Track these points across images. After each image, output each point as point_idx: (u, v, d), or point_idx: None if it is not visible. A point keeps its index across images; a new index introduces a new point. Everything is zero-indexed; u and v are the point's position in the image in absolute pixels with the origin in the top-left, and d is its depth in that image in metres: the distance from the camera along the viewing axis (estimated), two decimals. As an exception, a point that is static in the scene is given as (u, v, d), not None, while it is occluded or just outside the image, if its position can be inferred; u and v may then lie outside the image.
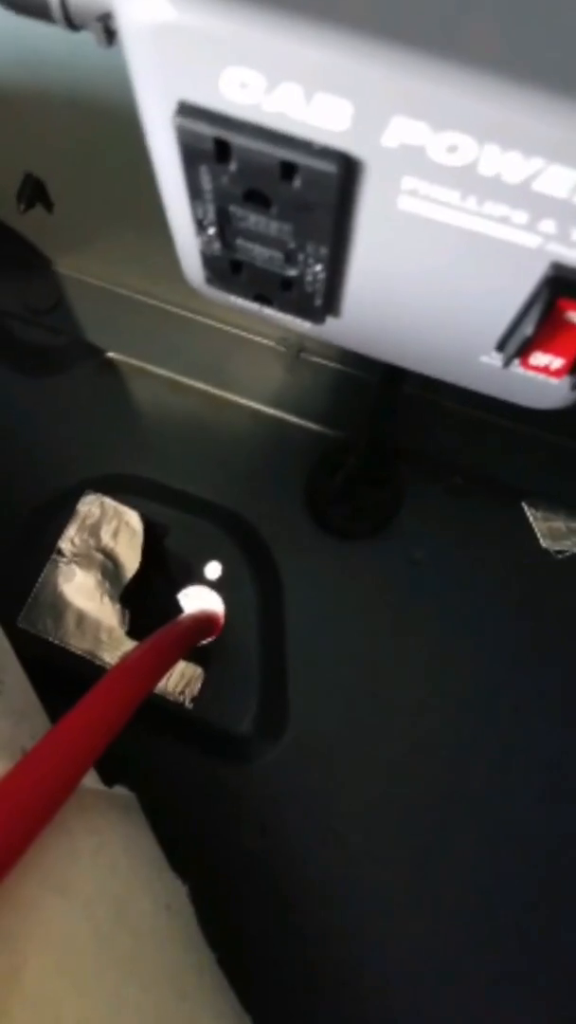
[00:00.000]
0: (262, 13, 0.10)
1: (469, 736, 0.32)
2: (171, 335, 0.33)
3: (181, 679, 0.32)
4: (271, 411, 0.34)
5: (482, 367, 0.16)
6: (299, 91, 0.11)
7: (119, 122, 0.25)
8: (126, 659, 0.25)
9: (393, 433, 0.32)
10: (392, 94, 0.10)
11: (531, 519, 0.32)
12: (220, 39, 0.10)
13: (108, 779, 0.25)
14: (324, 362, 0.31)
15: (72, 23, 0.16)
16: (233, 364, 0.34)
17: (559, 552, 0.32)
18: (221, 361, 0.34)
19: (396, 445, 0.33)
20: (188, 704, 0.32)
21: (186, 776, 0.31)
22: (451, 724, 0.32)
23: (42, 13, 0.16)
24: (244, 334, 0.32)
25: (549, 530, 0.32)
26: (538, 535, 0.32)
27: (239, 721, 0.32)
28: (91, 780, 0.23)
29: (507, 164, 0.10)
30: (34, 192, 0.30)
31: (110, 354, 0.35)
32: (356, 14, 0.10)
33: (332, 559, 0.33)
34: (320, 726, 0.32)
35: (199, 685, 0.32)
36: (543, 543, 0.32)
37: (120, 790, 0.24)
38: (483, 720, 0.32)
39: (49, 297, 0.34)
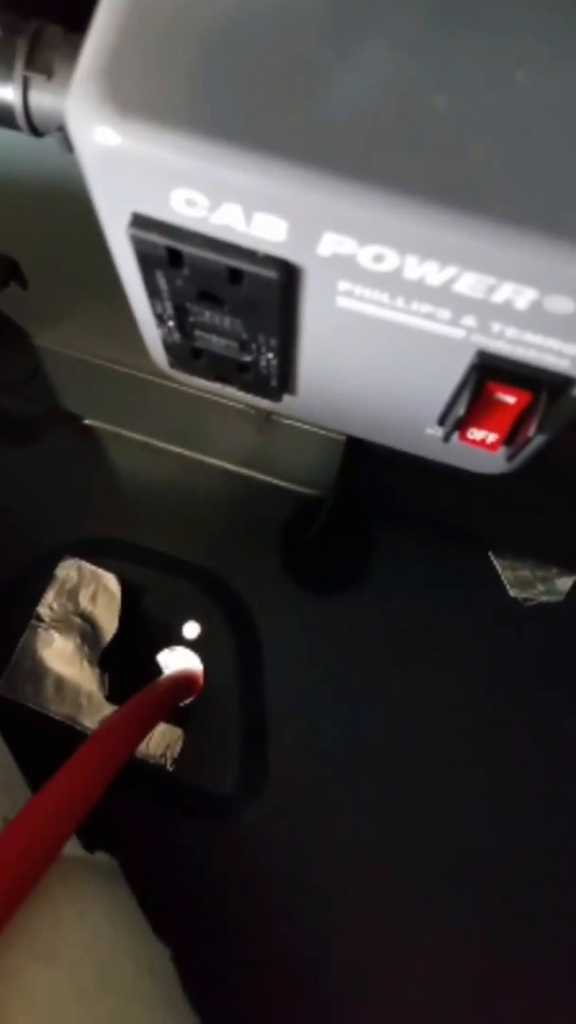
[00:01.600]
0: (199, 143, 0.11)
1: (451, 787, 0.32)
2: (144, 401, 0.34)
3: (162, 741, 0.32)
4: (244, 471, 0.35)
5: (428, 438, 0.17)
6: (239, 210, 0.12)
7: (87, 206, 0.26)
8: (105, 725, 0.25)
9: (361, 488, 0.33)
10: (319, 214, 0.11)
11: (498, 568, 0.33)
12: (163, 164, 0.12)
13: (90, 844, 0.25)
14: (293, 423, 0.32)
15: (35, 131, 0.18)
16: (205, 427, 0.35)
17: (527, 600, 0.33)
18: (193, 424, 0.35)
19: (365, 499, 0.34)
20: (169, 766, 0.32)
21: (169, 838, 0.31)
22: (432, 775, 0.32)
23: (8, 122, 0.17)
24: (215, 398, 0.33)
25: (516, 579, 0.32)
26: (505, 584, 0.33)
27: (220, 781, 0.32)
28: (73, 847, 0.23)
29: (427, 271, 0.12)
30: (8, 272, 0.32)
31: (86, 421, 0.36)
32: (284, 141, 0.11)
33: (308, 613, 0.34)
34: (301, 782, 0.32)
35: (179, 747, 0.32)
36: (511, 592, 0.33)
37: (102, 856, 0.24)
38: (465, 770, 0.32)
39: (26, 368, 0.35)
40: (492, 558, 0.34)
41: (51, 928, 0.19)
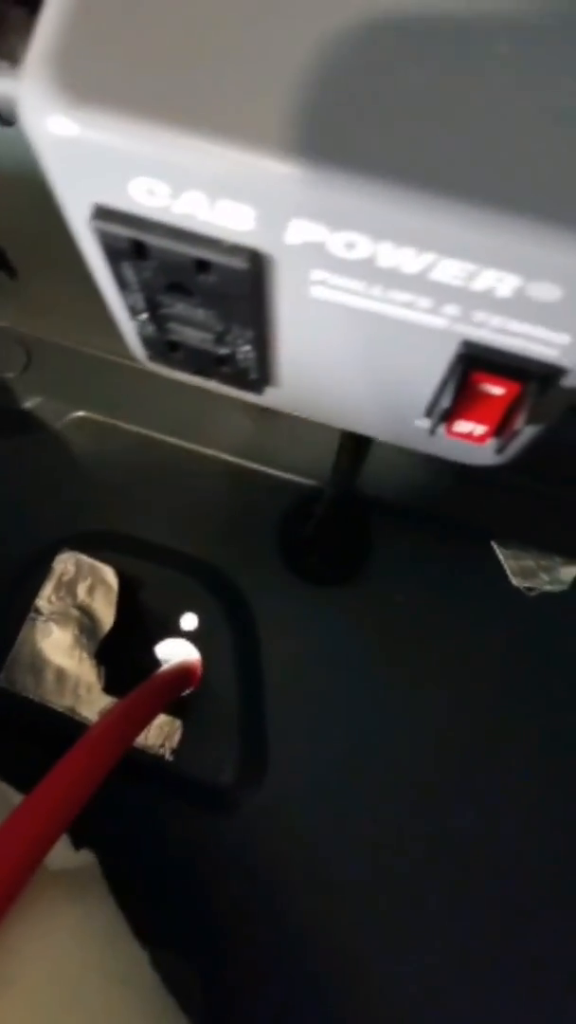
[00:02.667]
0: (156, 129, 0.11)
1: (451, 774, 0.32)
2: (139, 392, 0.34)
3: (160, 732, 0.32)
4: (242, 462, 0.35)
5: (417, 430, 0.17)
6: (202, 197, 0.11)
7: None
8: (96, 726, 0.25)
9: (359, 478, 0.33)
10: (286, 201, 0.11)
11: (501, 558, 0.32)
12: (120, 153, 0.11)
13: (80, 837, 0.25)
14: (290, 413, 0.32)
15: (5, 121, 0.17)
16: (202, 418, 0.34)
17: (530, 589, 0.32)
18: (190, 415, 0.34)
19: (364, 490, 0.34)
20: (168, 757, 0.32)
21: (167, 827, 0.31)
22: (432, 763, 0.32)
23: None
24: (210, 388, 0.32)
25: (520, 568, 0.32)
26: (508, 574, 0.32)
27: (220, 771, 0.32)
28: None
29: (402, 258, 0.11)
30: (-3, 261, 0.31)
31: (81, 413, 0.36)
32: (245, 126, 0.10)
33: (308, 605, 0.33)
34: (301, 770, 0.32)
35: (178, 737, 0.32)
36: (514, 581, 0.32)
37: (82, 856, 0.24)
38: (465, 758, 0.32)
39: (17, 360, 0.35)
40: (495, 547, 0.33)
41: (9, 955, 0.19)
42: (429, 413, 0.15)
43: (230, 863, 0.31)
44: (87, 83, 0.11)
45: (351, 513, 0.34)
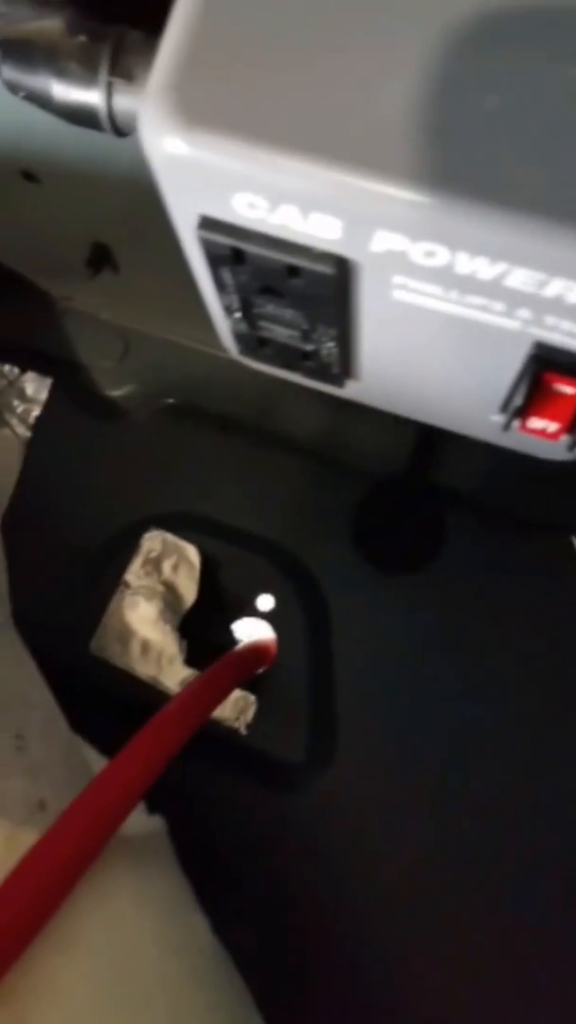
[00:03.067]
0: (259, 152, 0.12)
1: (519, 767, 0.32)
2: (224, 380, 0.36)
3: (236, 707, 0.34)
4: (319, 450, 0.36)
5: (492, 425, 0.17)
6: (296, 211, 0.12)
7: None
8: (179, 695, 0.26)
9: (433, 469, 0.33)
10: (371, 214, 0.12)
11: (578, 553, 0.32)
12: (226, 172, 0.12)
13: (152, 803, 0.26)
14: (368, 405, 0.33)
15: (119, 132, 0.19)
16: (282, 406, 0.36)
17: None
18: (271, 403, 0.36)
19: (439, 480, 0.34)
20: (243, 731, 0.34)
21: (238, 800, 0.33)
22: (501, 754, 0.32)
23: (93, 124, 0.18)
24: (289, 376, 0.34)
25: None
26: (584, 569, 0.32)
27: (290, 751, 0.33)
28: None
29: (477, 266, 0.12)
30: (102, 258, 0.33)
31: (170, 400, 0.38)
32: (337, 149, 0.11)
33: (380, 592, 0.34)
34: (368, 755, 0.33)
35: (252, 712, 0.34)
36: (590, 577, 0.32)
37: (153, 822, 0.25)
38: (534, 749, 0.32)
39: (116, 350, 0.37)
40: (575, 542, 0.33)
41: (69, 918, 0.19)
42: (504, 409, 0.16)
43: (293, 840, 0.32)
44: (199, 108, 0.12)
45: (425, 502, 0.34)
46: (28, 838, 0.19)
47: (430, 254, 0.12)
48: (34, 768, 0.22)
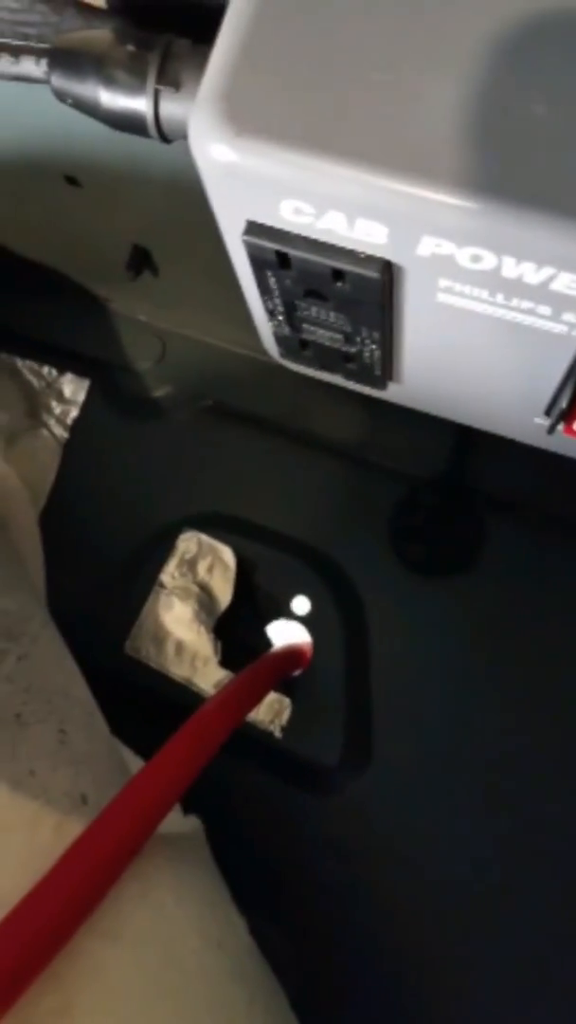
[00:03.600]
0: (307, 160, 0.12)
1: (556, 772, 0.31)
2: (261, 382, 0.36)
3: (271, 709, 0.34)
4: (356, 452, 0.36)
5: (536, 427, 0.17)
6: (342, 217, 0.12)
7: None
8: (214, 697, 0.26)
9: (472, 472, 0.33)
10: (418, 220, 0.12)
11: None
12: (275, 179, 0.12)
13: (188, 804, 0.26)
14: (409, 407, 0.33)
15: (165, 138, 0.19)
16: (319, 407, 0.36)
17: None
18: (307, 404, 0.36)
19: (478, 483, 0.34)
20: (278, 734, 0.34)
21: (273, 802, 0.33)
22: (537, 760, 0.32)
23: (140, 130, 0.19)
24: (329, 378, 0.34)
25: None
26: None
27: (325, 754, 0.33)
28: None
29: (524, 270, 0.12)
30: (141, 261, 0.34)
31: (207, 402, 0.38)
32: (384, 156, 0.11)
33: (416, 595, 0.34)
34: (403, 760, 0.33)
35: (287, 715, 0.34)
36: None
37: (189, 821, 0.25)
38: (572, 756, 0.32)
39: (153, 352, 0.37)
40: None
41: (114, 907, 0.19)
42: (548, 412, 0.16)
43: (326, 844, 0.32)
44: (248, 117, 0.12)
45: (462, 506, 0.34)
46: (75, 828, 0.20)
47: (476, 258, 0.12)
48: (76, 762, 0.23)
